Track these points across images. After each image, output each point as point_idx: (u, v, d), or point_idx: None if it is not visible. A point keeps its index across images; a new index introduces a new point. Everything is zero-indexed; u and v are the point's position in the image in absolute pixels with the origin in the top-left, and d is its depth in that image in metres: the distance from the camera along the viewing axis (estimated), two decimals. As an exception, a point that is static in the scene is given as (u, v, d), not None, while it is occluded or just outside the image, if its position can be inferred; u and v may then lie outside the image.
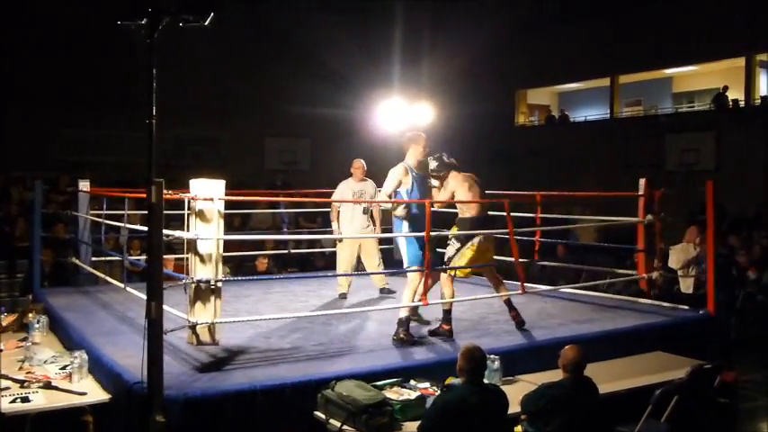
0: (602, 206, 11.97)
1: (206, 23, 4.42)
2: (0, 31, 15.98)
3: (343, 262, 8.19)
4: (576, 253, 11.47)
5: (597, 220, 10.47)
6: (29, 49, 16.22)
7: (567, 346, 4.72)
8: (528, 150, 20.91)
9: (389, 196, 6.32)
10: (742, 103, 18.38)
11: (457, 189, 6.41)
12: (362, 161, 8.37)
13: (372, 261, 8.17)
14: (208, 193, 5.56)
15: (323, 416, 4.64)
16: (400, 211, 6.29)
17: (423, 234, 6.00)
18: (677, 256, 7.94)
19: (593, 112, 22.82)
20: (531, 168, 19.86)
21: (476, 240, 6.32)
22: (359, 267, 8.31)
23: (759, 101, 18.33)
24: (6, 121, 16.02)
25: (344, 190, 8.24)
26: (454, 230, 6.48)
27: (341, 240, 8.13)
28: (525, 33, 21.25)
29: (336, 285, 8.22)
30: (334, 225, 8.17)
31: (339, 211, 8.12)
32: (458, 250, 6.34)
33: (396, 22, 18.12)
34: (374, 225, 8.23)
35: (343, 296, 8.08)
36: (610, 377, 5.35)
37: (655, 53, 19.47)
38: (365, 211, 8.09)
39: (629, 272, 8.22)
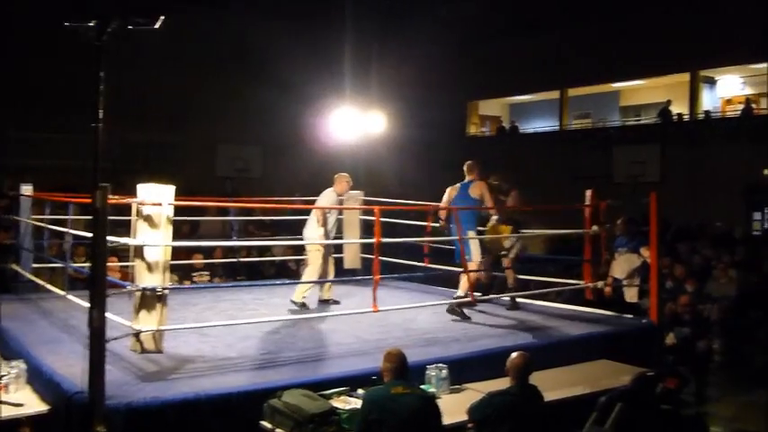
0: (552, 217, 12.16)
1: (156, 27, 4.37)
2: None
3: (318, 268, 8.02)
4: (525, 263, 11.60)
5: (545, 232, 10.62)
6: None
7: (513, 354, 4.77)
8: (479, 161, 21.06)
9: None
10: (686, 117, 18.90)
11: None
12: (347, 175, 8.32)
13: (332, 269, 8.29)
14: (156, 198, 5.48)
15: (269, 425, 4.59)
16: None
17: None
18: (621, 266, 8.09)
19: (543, 124, 23.19)
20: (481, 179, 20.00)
21: None
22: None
23: (702, 115, 18.88)
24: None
25: (332, 199, 8.14)
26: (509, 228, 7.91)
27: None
28: (477, 45, 21.51)
29: (322, 291, 8.25)
30: (321, 231, 7.95)
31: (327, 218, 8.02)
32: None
33: (348, 30, 18.16)
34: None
35: (324, 302, 8.11)
36: (556, 385, 5.41)
37: (603, 67, 19.90)
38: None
39: (576, 281, 8.34)
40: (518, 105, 25.26)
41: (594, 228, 7.87)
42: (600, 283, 7.93)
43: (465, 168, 8.13)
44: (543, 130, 22.91)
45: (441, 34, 20.10)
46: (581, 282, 8.10)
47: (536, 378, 4.80)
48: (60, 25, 4.27)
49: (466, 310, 7.48)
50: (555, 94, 22.18)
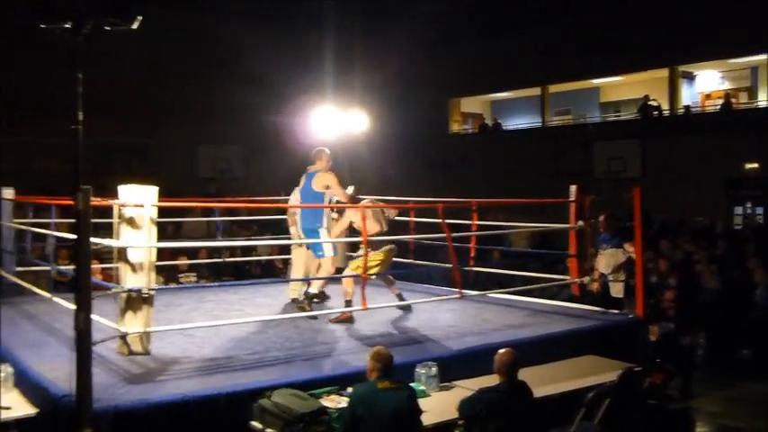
0: (532, 213, 12.19)
1: (133, 28, 4.34)
2: None
3: (301, 266, 8.07)
4: (510, 258, 11.64)
5: (531, 227, 10.64)
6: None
7: (500, 350, 4.77)
8: (461, 158, 21.17)
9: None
10: (666, 113, 19.05)
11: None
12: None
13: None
14: (138, 199, 5.43)
15: (259, 426, 4.57)
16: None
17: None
18: (606, 261, 8.13)
19: (524, 121, 23.28)
20: (464, 176, 20.12)
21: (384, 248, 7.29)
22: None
23: (682, 110, 19.03)
24: None
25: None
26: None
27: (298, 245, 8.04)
28: (458, 42, 21.55)
29: (288, 290, 8.14)
30: (293, 230, 7.96)
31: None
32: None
33: (328, 29, 18.13)
34: None
35: (295, 301, 7.87)
36: (543, 381, 5.42)
37: (582, 64, 20.00)
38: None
39: (562, 277, 8.37)
40: (500, 102, 25.34)
41: (580, 223, 7.90)
42: (586, 279, 7.97)
43: (312, 155, 7.58)
44: (525, 126, 23.01)
45: (422, 32, 20.12)
46: (567, 277, 8.12)
47: (524, 374, 4.82)
48: (36, 27, 4.21)
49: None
50: (536, 91, 22.27)
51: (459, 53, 21.84)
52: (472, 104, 25.40)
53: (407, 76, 20.96)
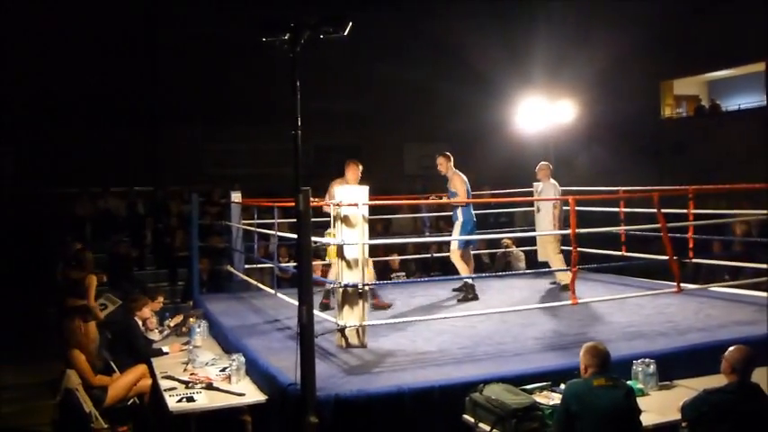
0: (758, 199, 11.19)
1: (345, 34, 4.53)
2: (152, 59, 17.18)
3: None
4: (734, 250, 10.77)
5: (758, 214, 9.77)
6: (178, 73, 17.26)
7: (732, 347, 4.41)
8: (676, 144, 19.97)
9: None
10: None
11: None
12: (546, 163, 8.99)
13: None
14: (352, 198, 5.69)
15: (471, 419, 4.61)
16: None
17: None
18: None
19: (747, 100, 21.50)
20: (679, 162, 18.95)
21: None
22: None
23: None
24: (162, 139, 17.13)
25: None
26: None
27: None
28: (670, 21, 20.32)
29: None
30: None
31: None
32: None
33: (537, 20, 17.81)
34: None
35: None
36: (780, 383, 4.96)
37: (816, 32, 18.03)
38: (538, 210, 8.93)
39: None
40: (718, 82, 23.55)
41: (817, 209, 7.14)
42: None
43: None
44: (748, 106, 21.21)
45: (630, 15, 19.21)
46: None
47: (756, 376, 4.42)
48: (258, 40, 4.51)
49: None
50: (760, 67, 20.44)
51: (671, 33, 20.57)
52: (686, 86, 23.82)
53: (617, 61, 20.09)
